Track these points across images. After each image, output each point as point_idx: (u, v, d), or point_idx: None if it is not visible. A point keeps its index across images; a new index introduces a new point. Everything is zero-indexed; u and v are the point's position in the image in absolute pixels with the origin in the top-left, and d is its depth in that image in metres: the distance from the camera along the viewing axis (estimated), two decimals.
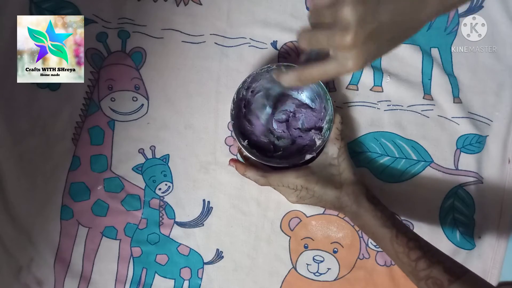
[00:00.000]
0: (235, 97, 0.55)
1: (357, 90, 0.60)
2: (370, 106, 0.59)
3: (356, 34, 0.33)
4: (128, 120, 0.59)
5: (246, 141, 0.55)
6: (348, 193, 0.51)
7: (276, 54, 0.60)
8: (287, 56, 0.60)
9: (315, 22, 0.37)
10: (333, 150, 0.54)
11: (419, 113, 0.59)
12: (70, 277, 0.57)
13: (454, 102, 0.59)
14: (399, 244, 0.47)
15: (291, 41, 0.60)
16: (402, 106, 0.60)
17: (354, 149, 0.59)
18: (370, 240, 0.58)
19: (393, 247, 0.47)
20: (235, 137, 0.55)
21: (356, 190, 0.51)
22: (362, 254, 0.58)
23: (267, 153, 0.57)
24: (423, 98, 0.60)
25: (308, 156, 0.54)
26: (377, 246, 0.58)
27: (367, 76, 0.60)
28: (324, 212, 0.59)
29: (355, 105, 0.59)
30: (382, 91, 0.60)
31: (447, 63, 0.60)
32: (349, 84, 0.60)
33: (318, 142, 0.55)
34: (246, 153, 0.55)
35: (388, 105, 0.59)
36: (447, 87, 0.60)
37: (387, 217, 0.49)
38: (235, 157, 0.59)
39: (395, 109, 0.59)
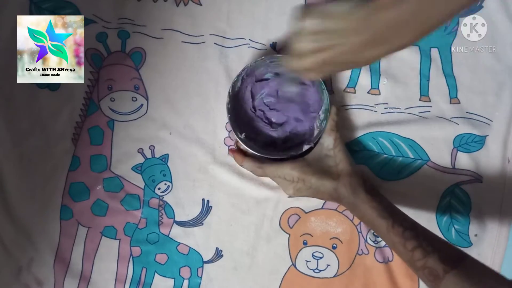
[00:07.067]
0: (230, 91, 0.55)
1: (355, 93, 0.60)
2: (367, 109, 0.59)
3: None
4: (128, 120, 0.59)
5: (244, 134, 0.55)
6: (345, 184, 0.51)
7: None
8: None
9: None
10: (328, 141, 0.54)
11: (417, 115, 0.59)
12: (70, 277, 0.58)
13: (452, 103, 0.59)
14: (395, 234, 0.47)
15: None
16: (400, 108, 0.59)
17: (352, 148, 0.59)
18: (368, 235, 0.58)
19: (390, 237, 0.47)
20: (233, 132, 0.55)
21: (353, 181, 0.51)
22: (361, 249, 0.58)
23: (266, 146, 0.57)
24: (420, 100, 0.60)
25: (306, 147, 0.54)
26: (376, 242, 0.58)
27: (365, 79, 0.60)
28: (323, 206, 0.59)
29: (353, 108, 0.59)
30: (379, 94, 0.60)
31: (447, 63, 0.60)
32: (346, 87, 0.60)
33: (315, 132, 0.55)
34: (243, 146, 0.55)
35: (385, 108, 0.59)
36: (445, 88, 0.60)
37: (384, 207, 0.49)
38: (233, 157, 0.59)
39: (392, 112, 0.59)
